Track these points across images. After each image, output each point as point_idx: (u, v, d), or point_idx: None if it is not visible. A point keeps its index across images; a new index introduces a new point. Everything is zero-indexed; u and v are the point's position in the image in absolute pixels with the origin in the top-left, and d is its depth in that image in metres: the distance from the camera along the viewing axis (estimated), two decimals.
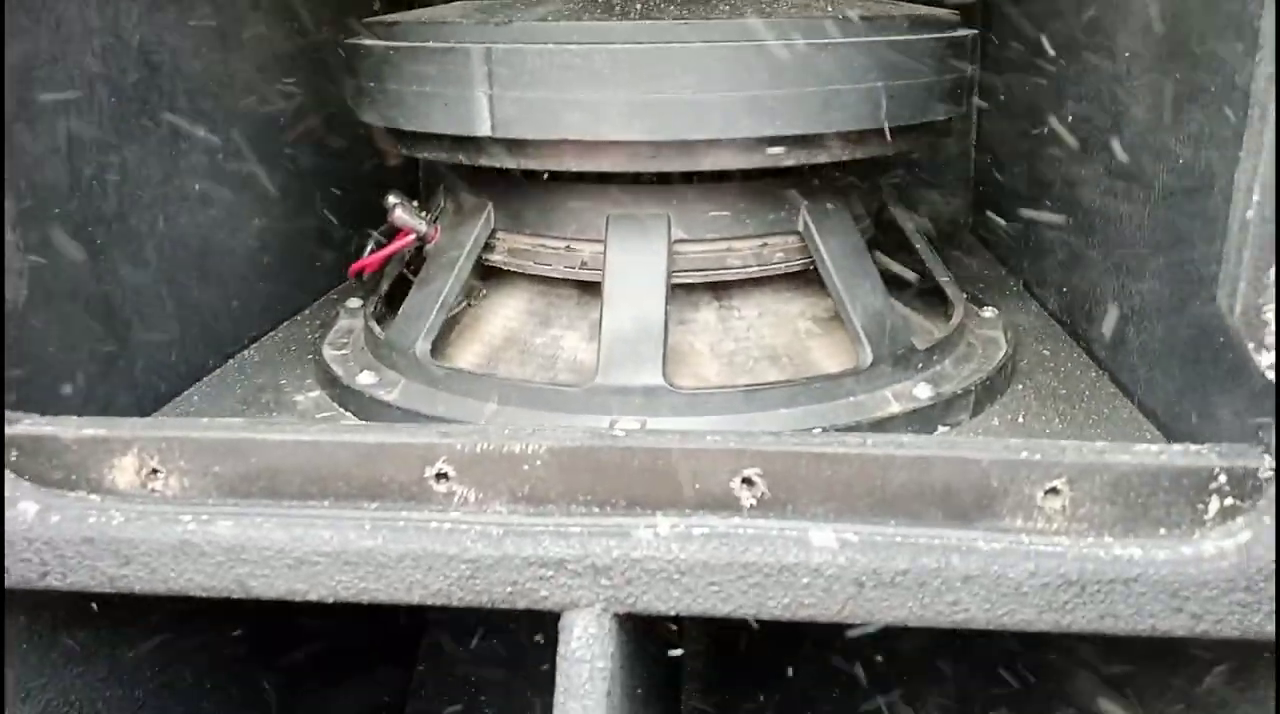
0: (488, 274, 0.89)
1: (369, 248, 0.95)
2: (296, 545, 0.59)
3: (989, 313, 0.93)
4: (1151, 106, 0.74)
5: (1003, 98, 1.20)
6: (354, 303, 0.99)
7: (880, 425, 0.73)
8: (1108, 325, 0.84)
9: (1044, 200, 1.02)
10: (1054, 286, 1.00)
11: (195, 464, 0.61)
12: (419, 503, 0.60)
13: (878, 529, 0.57)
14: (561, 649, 0.58)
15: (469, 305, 0.90)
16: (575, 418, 0.73)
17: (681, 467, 0.58)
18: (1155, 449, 0.56)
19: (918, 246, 0.93)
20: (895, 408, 0.75)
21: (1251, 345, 0.53)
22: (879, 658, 1.13)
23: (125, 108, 0.77)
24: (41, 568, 0.60)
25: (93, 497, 0.62)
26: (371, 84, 0.80)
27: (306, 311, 1.07)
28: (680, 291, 0.81)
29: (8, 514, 0.60)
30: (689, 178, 0.78)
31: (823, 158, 0.76)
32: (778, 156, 0.74)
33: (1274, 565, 0.54)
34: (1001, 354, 0.85)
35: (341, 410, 0.82)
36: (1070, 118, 0.94)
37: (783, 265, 0.82)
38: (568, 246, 0.81)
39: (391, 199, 0.88)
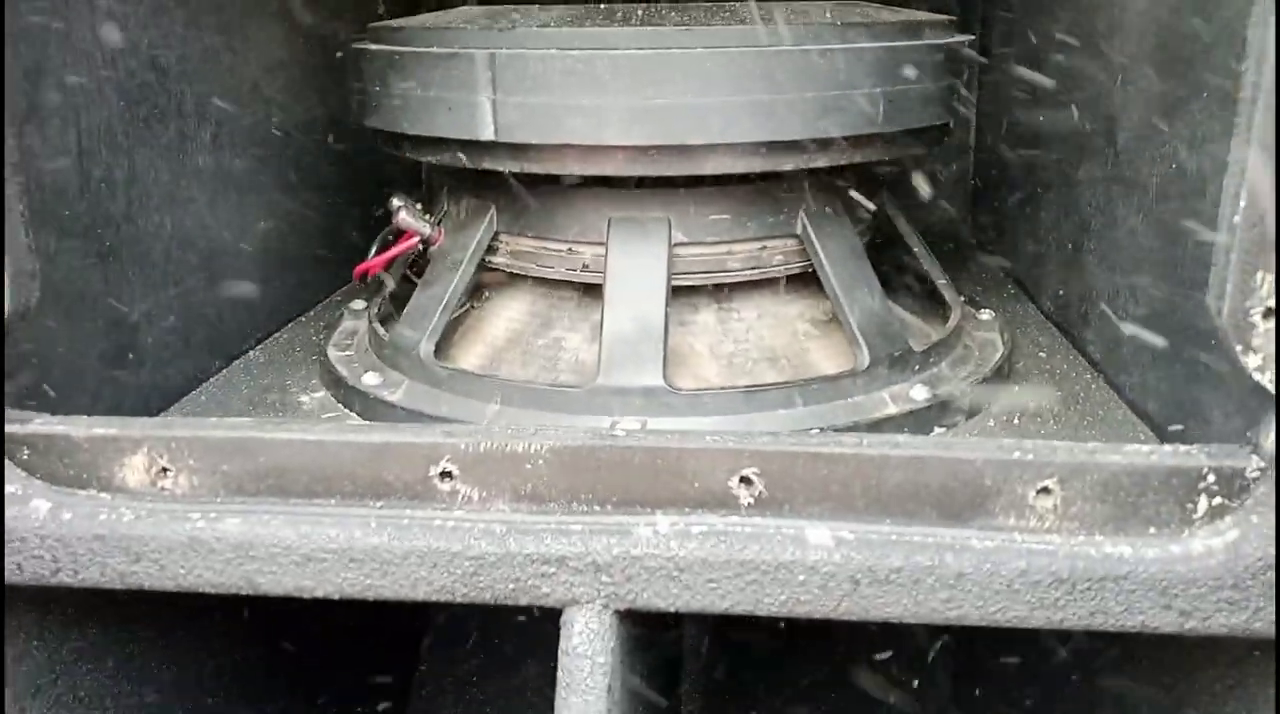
0: (491, 276, 0.90)
1: (373, 250, 0.96)
2: (303, 542, 0.60)
3: (986, 315, 0.94)
4: (1146, 111, 0.75)
5: (1001, 101, 1.21)
6: (358, 305, 1.00)
7: (877, 426, 0.74)
8: (1102, 328, 0.85)
9: (1041, 203, 1.03)
10: (1050, 289, 1.01)
11: (204, 463, 0.62)
12: (423, 501, 0.61)
13: (873, 527, 0.58)
14: (563, 645, 0.59)
15: (472, 307, 0.91)
16: (577, 418, 0.74)
17: (680, 466, 0.59)
18: (1145, 449, 0.57)
19: (915, 249, 0.94)
20: (892, 409, 0.76)
21: (1239, 347, 0.55)
22: (877, 656, 1.14)
23: (133, 111, 0.78)
24: (53, 564, 0.62)
25: (103, 495, 0.63)
26: (376, 88, 0.81)
27: (311, 313, 1.08)
28: (680, 294, 0.82)
29: (20, 512, 0.61)
30: (689, 182, 0.79)
31: (821, 162, 0.77)
32: (776, 161, 0.75)
33: (1261, 564, 0.55)
34: (998, 356, 0.86)
35: (346, 411, 0.83)
36: (1067, 122, 0.95)
37: (782, 268, 0.83)
38: (569, 249, 0.82)
39: (396, 202, 0.89)
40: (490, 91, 0.73)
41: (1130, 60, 0.79)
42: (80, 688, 0.74)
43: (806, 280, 0.85)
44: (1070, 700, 0.86)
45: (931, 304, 0.95)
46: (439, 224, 0.89)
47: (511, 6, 0.96)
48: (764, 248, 0.82)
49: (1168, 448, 0.58)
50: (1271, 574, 0.55)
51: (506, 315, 0.88)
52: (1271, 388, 0.55)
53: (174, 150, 0.83)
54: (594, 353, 0.77)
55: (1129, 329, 0.79)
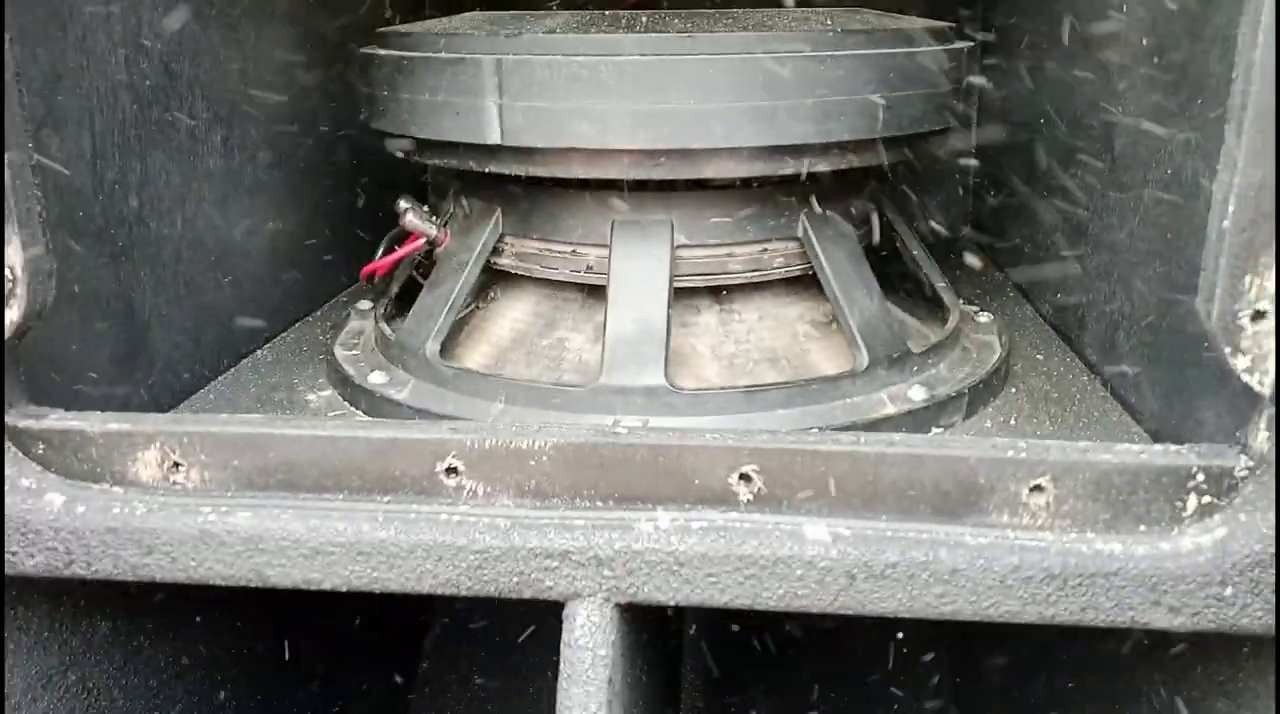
0: (496, 277, 0.91)
1: (380, 251, 0.98)
2: (312, 536, 0.61)
3: (984, 318, 0.95)
4: (1141, 118, 0.77)
5: (1001, 107, 1.22)
6: (364, 305, 1.01)
7: (875, 426, 0.75)
8: (1099, 330, 0.86)
9: (1040, 208, 1.05)
10: (1048, 292, 1.02)
11: (215, 458, 0.64)
12: (429, 496, 0.63)
13: (869, 524, 0.59)
14: (565, 637, 0.60)
15: (477, 308, 0.92)
16: (580, 417, 0.75)
17: (681, 463, 0.61)
18: (1136, 449, 0.59)
19: (914, 253, 0.95)
20: (890, 409, 0.77)
21: (1228, 350, 0.56)
22: (875, 652, 1.15)
23: (146, 114, 0.79)
24: (67, 556, 0.63)
25: (116, 489, 0.64)
26: (385, 92, 0.82)
27: (318, 313, 1.09)
28: (682, 295, 0.83)
29: (35, 505, 0.63)
30: (692, 185, 0.80)
31: (822, 166, 0.78)
32: (777, 165, 0.76)
33: (1249, 561, 0.56)
34: (995, 358, 0.87)
35: (353, 409, 0.84)
36: (1065, 128, 0.96)
37: (782, 270, 0.84)
38: (574, 251, 0.83)
39: (403, 204, 0.90)
40: (497, 96, 0.74)
41: (1127, 67, 0.80)
42: (90, 679, 0.76)
43: (807, 282, 0.87)
44: (1064, 698, 0.87)
45: (930, 306, 0.96)
46: (445, 226, 0.91)
47: (516, 13, 0.97)
48: (765, 250, 0.83)
49: (1158, 447, 0.59)
50: (1259, 571, 0.56)
51: (511, 316, 0.90)
52: (1260, 389, 0.56)
53: (185, 153, 0.85)
54: (597, 353, 0.78)
55: (1124, 332, 0.80)
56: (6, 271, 0.61)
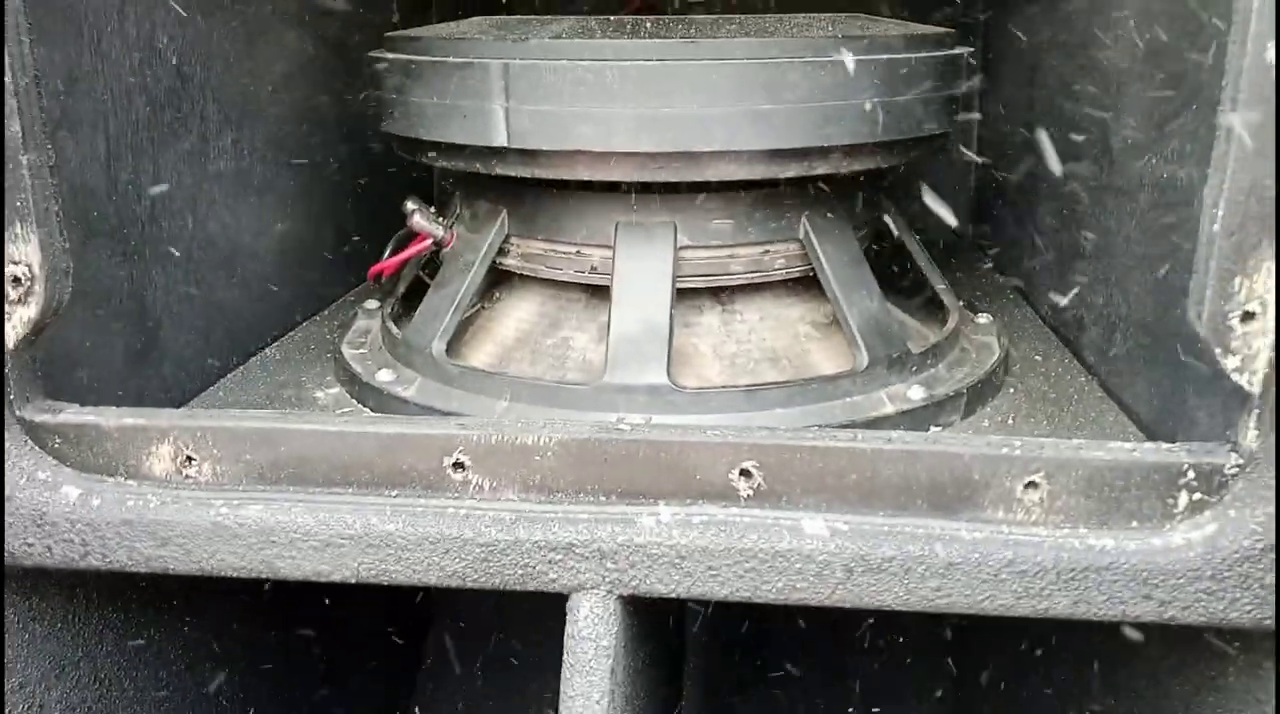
0: (501, 277, 0.93)
1: (387, 252, 0.99)
2: (322, 529, 0.63)
3: (984, 319, 0.97)
4: (1137, 125, 0.78)
5: (1002, 111, 1.24)
6: (371, 304, 1.03)
7: (874, 425, 0.76)
8: (1096, 332, 0.87)
9: (1039, 211, 1.06)
10: (1048, 294, 1.04)
11: (228, 452, 0.65)
12: (437, 491, 0.64)
13: (866, 519, 0.61)
14: (569, 628, 0.62)
15: (483, 307, 0.93)
16: (584, 415, 0.76)
17: (682, 459, 0.62)
18: (1128, 446, 0.60)
19: (915, 255, 0.96)
20: (889, 408, 0.78)
21: (1219, 350, 0.57)
22: (873, 646, 1.16)
23: (158, 117, 0.81)
24: (83, 548, 0.64)
25: (131, 482, 0.66)
26: (393, 96, 0.84)
27: (325, 312, 1.10)
28: (685, 296, 0.84)
29: (52, 497, 0.64)
30: (694, 187, 0.81)
31: (822, 169, 0.79)
32: (779, 168, 0.77)
33: (1237, 556, 0.57)
34: (994, 359, 0.88)
35: (361, 406, 0.85)
36: (1063, 133, 0.97)
37: (783, 272, 0.85)
38: (578, 252, 0.85)
39: (410, 205, 0.92)
40: (503, 100, 0.75)
41: (1123, 73, 0.81)
42: (101, 669, 0.77)
43: (808, 284, 0.88)
44: (1058, 695, 0.88)
45: (930, 308, 0.97)
46: (452, 227, 0.92)
47: (523, 17, 0.98)
48: (766, 252, 0.84)
49: (1150, 445, 0.61)
50: (1248, 566, 0.57)
51: (516, 315, 0.91)
52: (1249, 388, 0.57)
53: (196, 154, 0.86)
54: (601, 352, 0.79)
55: (1121, 333, 0.82)
56: (24, 269, 0.62)
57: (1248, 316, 0.56)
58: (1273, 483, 0.57)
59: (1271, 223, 0.55)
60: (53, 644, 0.72)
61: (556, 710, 0.62)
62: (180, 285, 0.85)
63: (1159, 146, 0.73)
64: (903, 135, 0.80)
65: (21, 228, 0.61)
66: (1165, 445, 0.60)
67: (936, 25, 0.89)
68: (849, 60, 0.75)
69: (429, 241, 0.92)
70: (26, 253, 0.62)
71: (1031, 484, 0.60)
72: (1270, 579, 0.58)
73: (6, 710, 0.69)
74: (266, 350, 0.98)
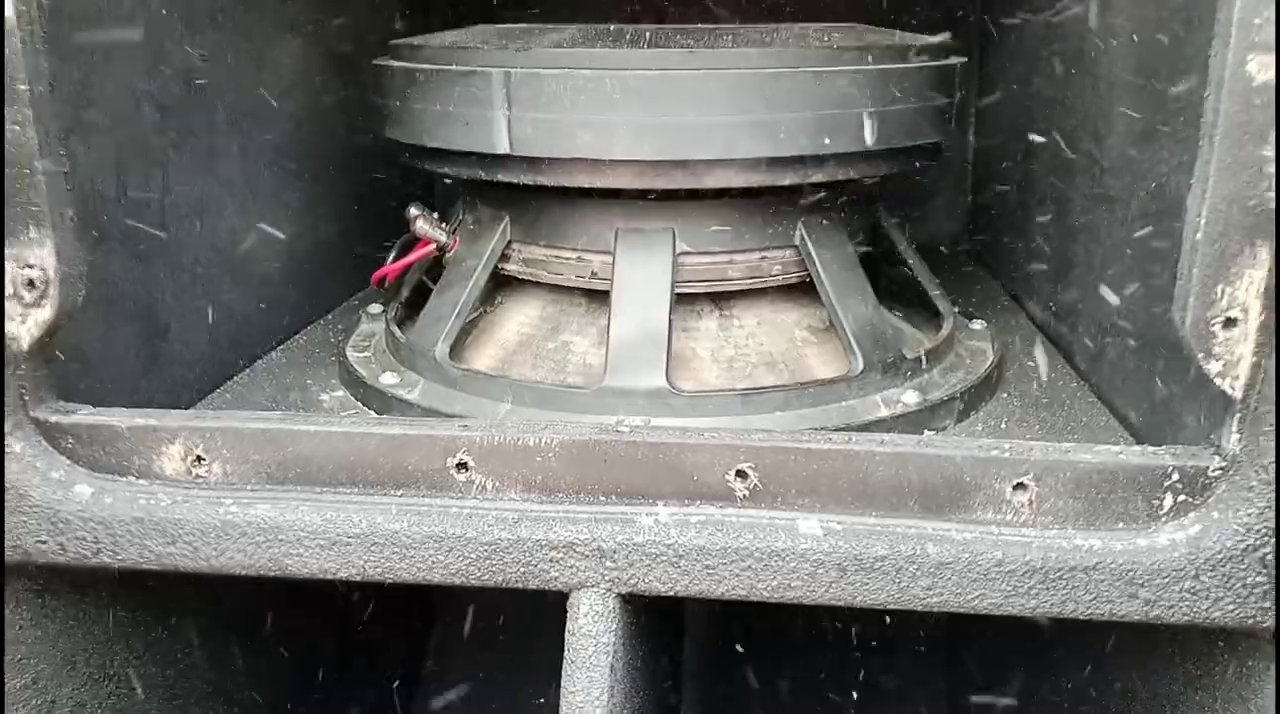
0: (503, 282, 0.94)
1: (391, 257, 1.01)
2: (329, 527, 0.64)
3: (978, 325, 0.98)
4: (1128, 134, 0.79)
5: (998, 120, 1.25)
6: (375, 308, 1.04)
7: (869, 429, 0.77)
8: (1088, 338, 0.89)
9: (1033, 219, 1.07)
10: (1041, 301, 1.05)
11: (237, 452, 0.67)
12: (441, 490, 0.66)
13: (859, 519, 0.62)
14: (570, 625, 0.63)
15: (485, 311, 0.95)
16: (584, 418, 0.77)
17: (680, 460, 0.63)
18: (1115, 449, 0.61)
19: (910, 261, 0.98)
20: (884, 413, 0.80)
21: (1201, 356, 0.58)
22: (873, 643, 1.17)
23: (168, 123, 0.82)
24: (95, 545, 0.66)
25: (142, 481, 0.67)
26: (397, 104, 0.85)
27: (329, 317, 1.12)
28: (683, 301, 0.85)
29: (65, 496, 0.66)
30: (693, 194, 0.82)
31: (818, 177, 0.81)
32: (776, 176, 0.79)
33: (1220, 556, 0.59)
34: (988, 364, 0.89)
35: (365, 409, 0.86)
36: (1057, 141, 0.98)
37: (780, 277, 0.87)
38: (579, 257, 0.86)
39: (413, 211, 0.93)
40: (505, 108, 0.77)
41: (1114, 84, 0.83)
42: (110, 666, 0.78)
43: (804, 289, 0.89)
44: (1049, 694, 0.89)
45: (925, 313, 0.99)
46: (454, 232, 0.93)
47: (525, 26, 1.00)
48: (763, 258, 0.85)
49: (1136, 448, 0.62)
50: (1230, 566, 0.59)
51: (518, 319, 0.92)
52: (1231, 392, 0.59)
53: (205, 161, 0.88)
54: (601, 356, 0.81)
55: (1112, 339, 0.83)
56: (39, 273, 0.64)
57: (1230, 322, 0.58)
58: (1254, 485, 0.59)
59: (1257, 231, 0.56)
60: (64, 641, 0.74)
61: (557, 706, 0.64)
62: (188, 289, 0.86)
63: (1148, 157, 0.75)
64: (898, 143, 0.81)
65: (37, 232, 0.63)
66: (1151, 448, 0.62)
67: (933, 34, 0.90)
68: (845, 70, 0.76)
69: (432, 247, 0.93)
70: (41, 257, 0.63)
71: (1020, 486, 0.61)
72: (1253, 579, 0.59)
73: (18, 707, 0.70)
74: (272, 353, 1.00)
